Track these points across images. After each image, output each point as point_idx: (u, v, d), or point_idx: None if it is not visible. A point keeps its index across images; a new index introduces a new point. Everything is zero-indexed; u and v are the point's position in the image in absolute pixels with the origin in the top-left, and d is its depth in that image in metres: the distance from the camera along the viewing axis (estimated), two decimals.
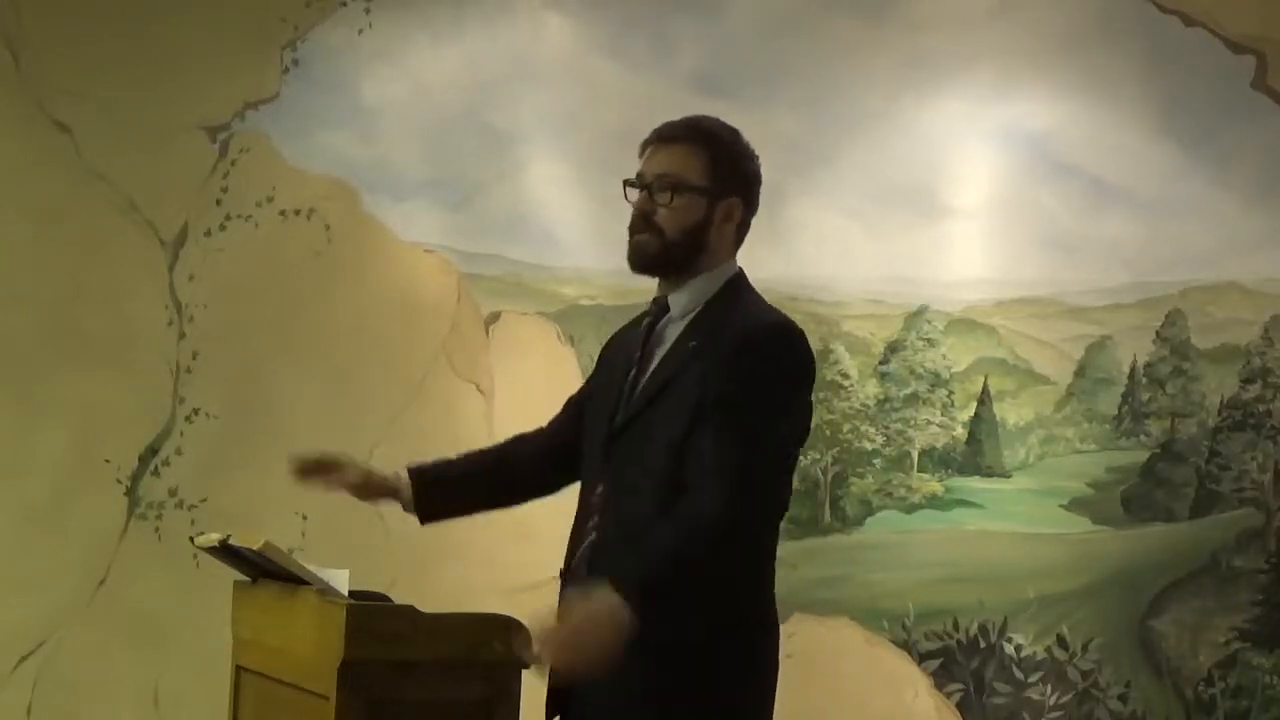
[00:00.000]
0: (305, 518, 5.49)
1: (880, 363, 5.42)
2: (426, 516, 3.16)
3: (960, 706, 5.16)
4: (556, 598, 2.92)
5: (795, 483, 2.86)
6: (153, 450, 5.66)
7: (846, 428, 5.37)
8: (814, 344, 2.90)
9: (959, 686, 5.17)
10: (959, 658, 5.17)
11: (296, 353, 5.66)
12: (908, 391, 5.39)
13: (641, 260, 2.88)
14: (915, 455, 5.37)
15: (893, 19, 5.42)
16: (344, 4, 5.75)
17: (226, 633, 3.21)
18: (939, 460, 5.34)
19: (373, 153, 5.77)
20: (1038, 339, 5.28)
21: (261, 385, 5.66)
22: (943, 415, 5.36)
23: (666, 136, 2.89)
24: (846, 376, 5.39)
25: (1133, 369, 5.17)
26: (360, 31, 5.75)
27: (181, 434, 5.67)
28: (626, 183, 2.90)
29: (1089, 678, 5.05)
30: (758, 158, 2.93)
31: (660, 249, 2.85)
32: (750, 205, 2.91)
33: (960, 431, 5.33)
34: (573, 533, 2.94)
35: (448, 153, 5.74)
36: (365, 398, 5.62)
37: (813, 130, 5.40)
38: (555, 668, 2.55)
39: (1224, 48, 5.06)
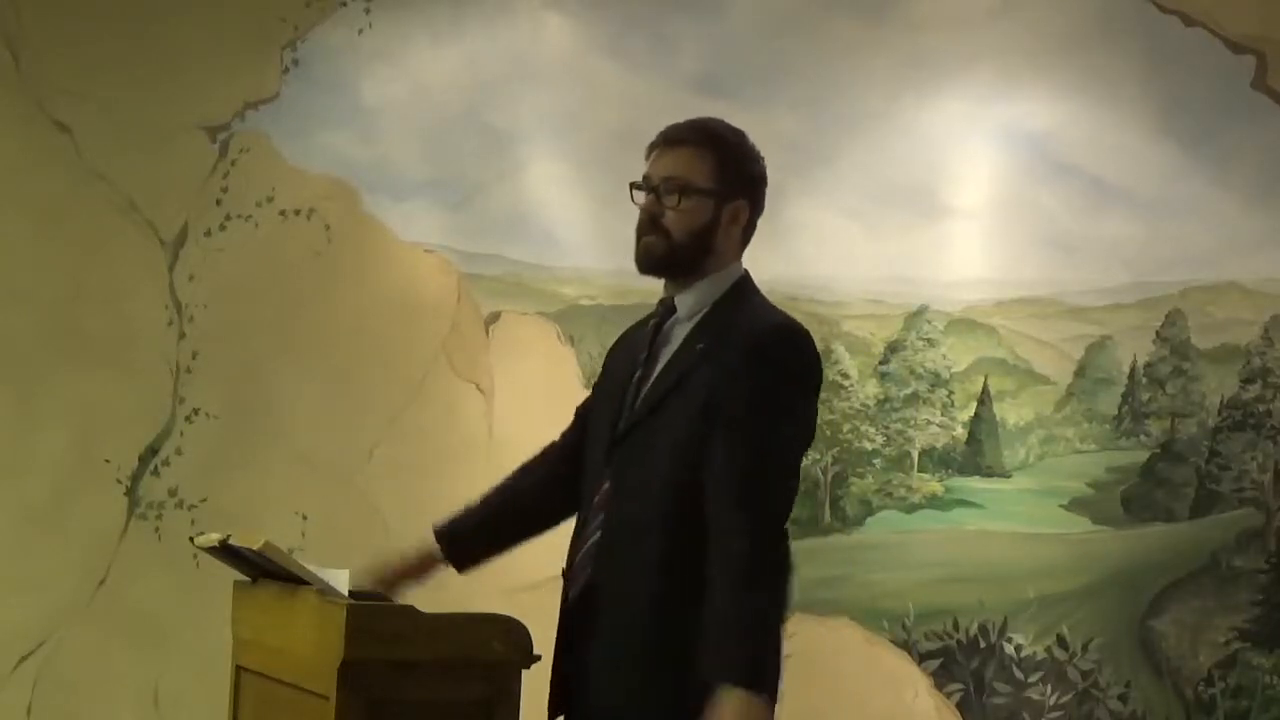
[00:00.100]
0: (305, 518, 5.50)
1: (880, 363, 5.42)
2: (462, 568, 3.15)
3: (960, 706, 5.16)
4: (559, 598, 2.93)
5: None
6: (153, 450, 5.66)
7: (846, 428, 5.37)
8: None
9: (959, 686, 5.17)
10: (959, 658, 5.18)
11: (296, 353, 5.66)
12: (908, 391, 5.39)
13: (649, 262, 2.88)
14: (915, 455, 5.37)
15: (893, 19, 5.42)
16: (344, 4, 5.75)
17: (226, 633, 3.21)
18: (939, 460, 5.34)
19: (373, 153, 5.77)
20: (1038, 339, 5.28)
21: (261, 385, 5.66)
22: (943, 415, 5.36)
23: (673, 139, 2.90)
24: (846, 376, 5.39)
25: (1133, 369, 5.17)
26: (360, 31, 5.75)
27: (181, 434, 5.67)
28: (633, 185, 2.91)
29: (1089, 678, 5.05)
30: (763, 159, 2.94)
31: (667, 251, 2.86)
32: (756, 207, 2.93)
33: (960, 431, 5.33)
34: (575, 532, 2.94)
35: (448, 153, 5.74)
36: (365, 398, 5.62)
37: (813, 130, 5.40)
38: None
39: (1224, 48, 5.06)
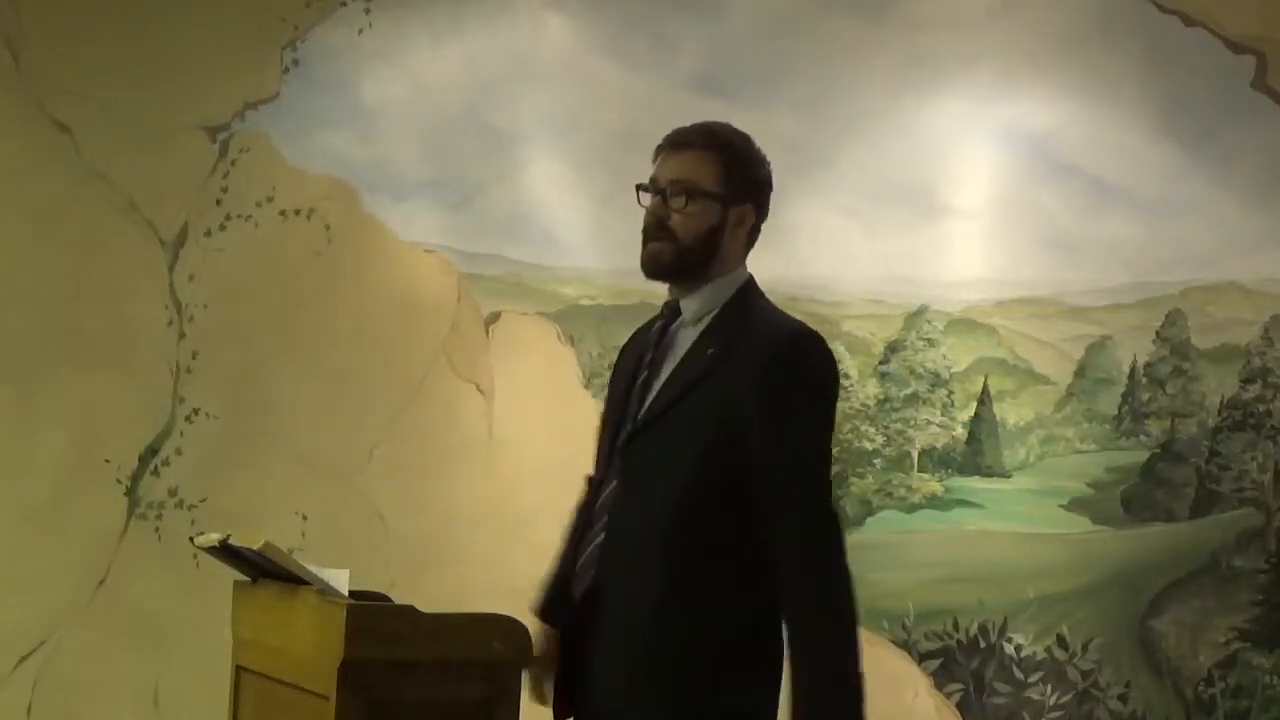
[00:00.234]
0: (305, 518, 5.50)
1: (880, 363, 5.42)
2: None
3: (960, 706, 5.16)
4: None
5: None
6: (153, 450, 5.66)
7: (846, 428, 5.37)
8: None
9: (959, 686, 5.17)
10: (959, 658, 5.17)
11: (296, 353, 5.66)
12: (908, 391, 5.39)
13: (655, 269, 2.89)
14: (915, 455, 5.37)
15: (893, 19, 5.42)
16: (344, 4, 5.75)
17: (226, 633, 3.21)
18: (939, 460, 5.34)
19: (373, 153, 5.77)
20: (1038, 339, 5.28)
21: (261, 385, 5.66)
22: (943, 415, 5.36)
23: (680, 142, 2.91)
24: (846, 376, 5.39)
25: (1133, 369, 5.17)
26: (360, 31, 5.75)
27: (181, 434, 5.67)
28: (639, 187, 2.92)
29: (1089, 678, 5.05)
30: (769, 163, 2.95)
31: (675, 256, 2.87)
32: (761, 211, 2.94)
33: (960, 431, 5.33)
34: (579, 533, 2.94)
35: (448, 153, 5.74)
36: (365, 398, 5.62)
37: (813, 130, 5.40)
38: None
39: (1224, 48, 5.06)
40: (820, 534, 2.75)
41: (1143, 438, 5.16)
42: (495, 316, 5.69)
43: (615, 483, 2.86)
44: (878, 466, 5.38)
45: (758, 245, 2.98)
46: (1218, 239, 5.07)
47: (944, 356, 5.37)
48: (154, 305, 5.70)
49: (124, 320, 5.67)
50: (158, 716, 5.56)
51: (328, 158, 5.74)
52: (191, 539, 3.15)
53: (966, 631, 5.17)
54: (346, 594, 2.82)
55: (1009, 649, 5.12)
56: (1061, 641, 5.09)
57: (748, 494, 2.75)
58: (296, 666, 2.86)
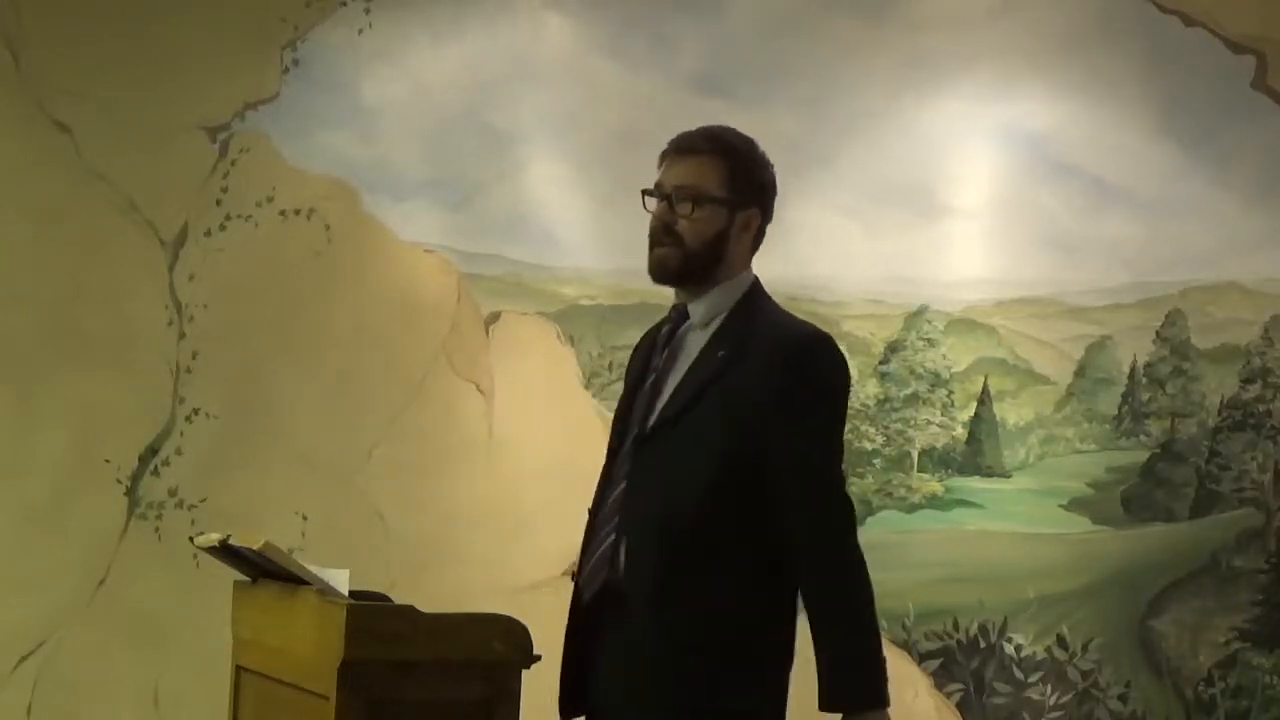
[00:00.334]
0: (305, 518, 5.50)
1: (880, 363, 5.42)
2: None
3: (960, 706, 5.16)
4: (569, 600, 2.94)
5: None
6: (153, 450, 5.66)
7: (847, 428, 5.36)
8: None
9: (959, 686, 5.17)
10: (959, 658, 5.17)
11: (296, 353, 5.66)
12: (908, 391, 5.39)
13: (663, 274, 2.92)
14: (915, 455, 5.37)
15: (893, 19, 5.42)
16: (344, 4, 5.75)
17: (226, 633, 3.21)
18: (939, 460, 5.34)
19: (373, 153, 5.77)
20: (1038, 339, 5.28)
21: (261, 385, 5.66)
22: (943, 415, 5.36)
23: (685, 148, 2.93)
24: None
25: (1133, 369, 5.17)
26: (360, 31, 5.75)
27: (181, 434, 5.67)
28: (645, 193, 2.94)
29: (1089, 678, 5.05)
30: (773, 166, 2.98)
31: (681, 261, 2.90)
32: (766, 215, 2.97)
33: (960, 431, 5.33)
34: (587, 535, 2.95)
35: (448, 153, 5.74)
36: (365, 398, 5.62)
37: (812, 130, 5.40)
38: None
39: (1224, 48, 5.06)
40: (833, 532, 2.78)
41: (1143, 438, 5.16)
42: (495, 316, 5.69)
43: (624, 485, 2.88)
44: (878, 466, 5.38)
45: None
46: (1218, 239, 5.07)
47: (944, 356, 5.37)
48: (154, 305, 5.70)
49: (124, 320, 5.67)
50: (158, 716, 5.56)
51: (328, 158, 5.74)
52: (191, 539, 3.15)
53: (966, 631, 5.17)
54: (346, 594, 2.82)
55: (1009, 649, 5.12)
56: (1061, 641, 5.09)
57: (757, 496, 2.77)
58: (296, 666, 2.86)
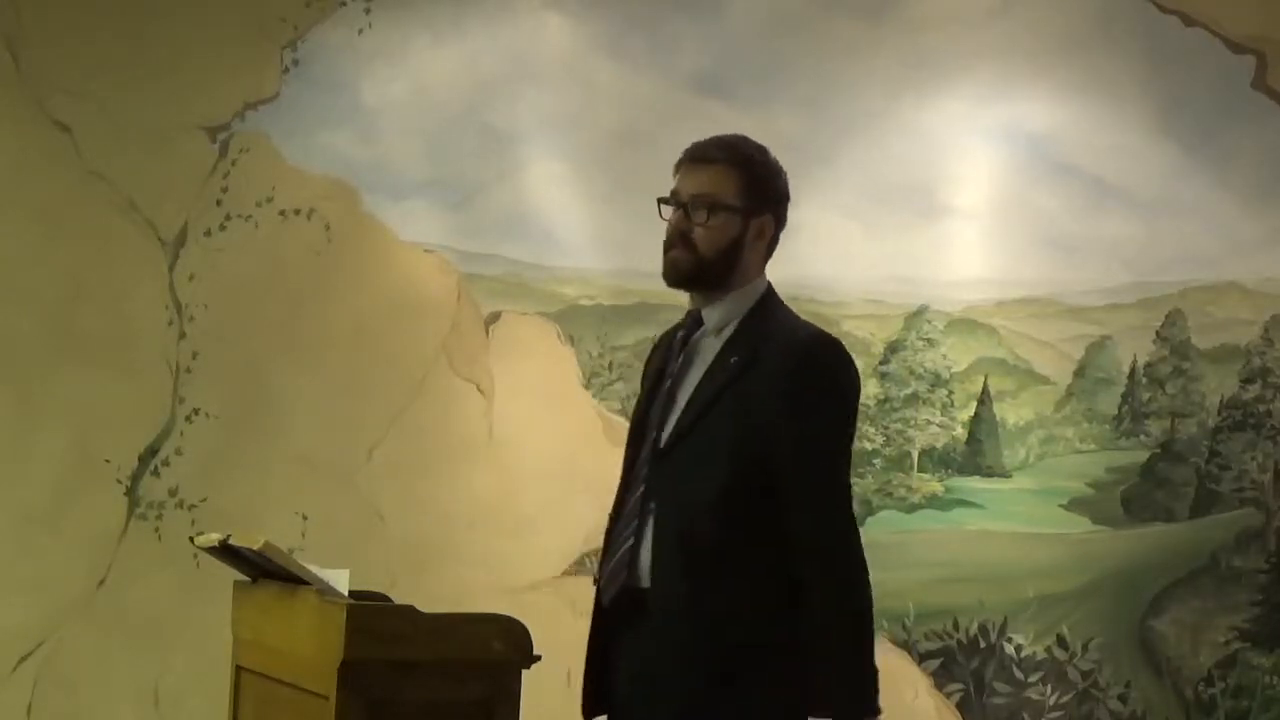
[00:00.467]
0: (305, 518, 5.50)
1: (880, 363, 5.42)
2: None
3: (960, 706, 5.16)
4: (592, 603, 2.95)
5: None
6: (153, 450, 5.66)
7: None
8: None
9: (959, 686, 5.17)
10: (959, 658, 5.17)
11: (296, 353, 5.66)
12: (908, 391, 5.39)
13: (675, 276, 2.95)
14: (915, 455, 5.37)
15: (893, 19, 5.42)
16: (344, 4, 5.75)
17: (226, 633, 3.21)
18: (939, 460, 5.34)
19: (373, 153, 5.77)
20: (1038, 339, 5.28)
21: (261, 385, 5.66)
22: (943, 415, 5.36)
23: (700, 157, 2.96)
24: None
25: (1133, 369, 5.17)
26: (360, 31, 5.75)
27: (181, 434, 5.67)
28: (661, 200, 2.97)
29: (1089, 678, 5.05)
30: (785, 173, 3.02)
31: (694, 265, 2.92)
32: (780, 222, 3.02)
33: (960, 431, 5.34)
34: (606, 540, 2.97)
35: (448, 153, 5.74)
36: (365, 397, 5.62)
37: (813, 130, 5.40)
38: None
39: (1224, 48, 5.07)
40: (835, 535, 2.80)
41: (1143, 438, 5.16)
42: (495, 316, 5.69)
43: (643, 489, 2.90)
44: (878, 466, 5.38)
45: None
46: (1218, 239, 5.07)
47: (944, 356, 5.37)
48: (154, 305, 5.70)
49: (124, 320, 5.67)
50: (158, 716, 5.56)
51: (327, 158, 5.74)
52: (191, 539, 3.15)
53: (966, 631, 5.17)
54: (346, 594, 2.82)
55: (1009, 649, 5.12)
56: (1061, 641, 5.09)
57: (770, 499, 2.80)
58: (296, 666, 2.86)
